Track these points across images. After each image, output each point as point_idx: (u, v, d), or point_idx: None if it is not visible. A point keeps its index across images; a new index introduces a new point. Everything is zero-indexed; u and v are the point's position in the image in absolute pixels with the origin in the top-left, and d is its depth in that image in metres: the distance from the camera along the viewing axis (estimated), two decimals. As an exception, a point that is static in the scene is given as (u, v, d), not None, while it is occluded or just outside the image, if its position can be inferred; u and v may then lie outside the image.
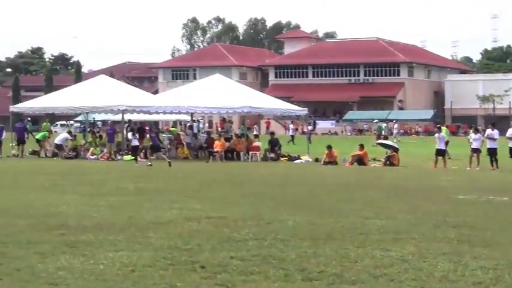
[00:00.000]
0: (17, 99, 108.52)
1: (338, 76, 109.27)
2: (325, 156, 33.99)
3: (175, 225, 12.73)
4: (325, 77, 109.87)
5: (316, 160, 35.33)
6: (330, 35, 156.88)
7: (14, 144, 40.44)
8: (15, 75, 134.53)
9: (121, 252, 10.07)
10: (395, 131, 66.93)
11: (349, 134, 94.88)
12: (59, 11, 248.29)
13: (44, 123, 49.49)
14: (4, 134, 40.01)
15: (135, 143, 33.68)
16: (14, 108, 45.01)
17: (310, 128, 62.13)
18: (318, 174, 27.35)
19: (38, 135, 41.66)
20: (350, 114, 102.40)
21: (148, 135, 33.76)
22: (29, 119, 42.75)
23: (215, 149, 36.32)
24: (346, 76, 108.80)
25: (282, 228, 12.44)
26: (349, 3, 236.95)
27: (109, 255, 9.90)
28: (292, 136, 62.21)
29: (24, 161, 35.58)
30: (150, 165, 30.52)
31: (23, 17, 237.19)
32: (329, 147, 34.19)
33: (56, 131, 52.73)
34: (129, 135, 34.95)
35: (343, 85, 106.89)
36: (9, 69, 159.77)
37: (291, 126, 70.45)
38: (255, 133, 59.20)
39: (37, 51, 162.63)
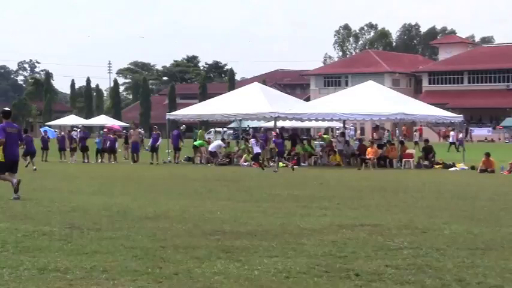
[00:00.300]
0: (172, 106, 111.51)
1: (495, 82, 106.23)
2: (481, 164, 33.05)
3: (328, 232, 12.66)
4: (482, 82, 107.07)
5: (472, 168, 34.43)
6: (487, 40, 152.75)
7: (169, 150, 41.58)
8: (171, 83, 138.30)
9: (275, 259, 10.08)
10: None
11: (506, 141, 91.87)
12: (214, 20, 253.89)
13: (200, 131, 50.58)
14: (160, 141, 41.20)
15: (257, 150, 34.30)
16: (170, 115, 46.22)
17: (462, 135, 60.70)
18: (474, 182, 26.62)
19: (196, 142, 42.60)
20: (508, 121, 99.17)
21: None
22: (183, 126, 43.73)
23: (367, 156, 36.10)
24: (504, 82, 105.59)
25: (438, 237, 12.14)
26: (507, 8, 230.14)
27: (263, 261, 9.93)
28: (453, 143, 60.76)
29: (179, 168, 36.49)
30: (275, 171, 31.39)
31: (179, 27, 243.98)
32: (487, 155, 33.19)
33: (209, 138, 53.68)
34: (252, 141, 35.30)
35: (501, 91, 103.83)
36: (165, 78, 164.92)
37: (452, 133, 68.81)
38: (415, 140, 58.89)
39: (192, 60, 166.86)
